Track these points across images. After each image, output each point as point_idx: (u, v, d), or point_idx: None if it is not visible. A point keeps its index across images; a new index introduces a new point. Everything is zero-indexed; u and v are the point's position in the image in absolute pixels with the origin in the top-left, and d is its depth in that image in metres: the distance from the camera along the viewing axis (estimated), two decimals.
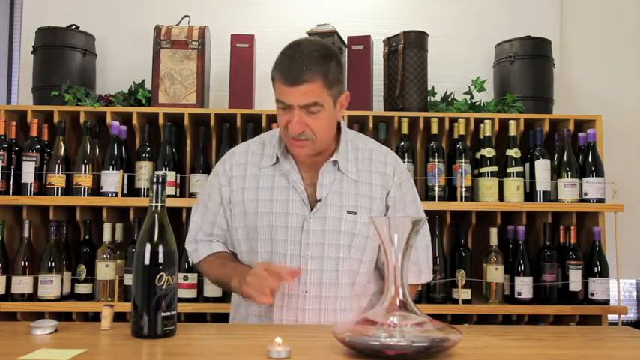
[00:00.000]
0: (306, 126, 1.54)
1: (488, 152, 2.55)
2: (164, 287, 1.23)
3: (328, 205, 1.62)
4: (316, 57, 1.52)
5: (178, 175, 2.56)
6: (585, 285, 2.53)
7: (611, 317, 2.61)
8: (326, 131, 1.59)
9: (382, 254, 1.70)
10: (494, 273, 2.50)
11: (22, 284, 2.45)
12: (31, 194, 2.49)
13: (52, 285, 2.45)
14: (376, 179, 1.68)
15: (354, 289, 1.65)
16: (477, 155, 2.60)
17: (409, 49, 2.63)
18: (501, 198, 2.55)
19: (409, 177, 1.77)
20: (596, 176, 2.55)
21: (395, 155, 1.77)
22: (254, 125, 2.58)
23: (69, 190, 2.52)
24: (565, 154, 2.58)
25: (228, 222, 1.71)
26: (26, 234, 2.52)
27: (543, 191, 2.56)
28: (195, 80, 2.60)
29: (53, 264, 2.48)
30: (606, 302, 2.50)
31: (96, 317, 2.50)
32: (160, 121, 2.57)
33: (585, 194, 2.55)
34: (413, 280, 1.70)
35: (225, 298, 2.43)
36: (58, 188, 2.49)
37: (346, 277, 1.62)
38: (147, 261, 1.24)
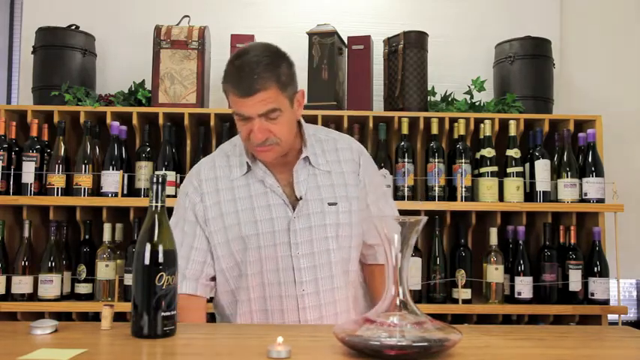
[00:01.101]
0: (268, 132, 1.52)
1: (488, 152, 2.55)
2: (164, 287, 1.23)
3: (309, 201, 1.62)
4: (265, 63, 1.49)
5: (178, 175, 2.56)
6: (585, 285, 2.53)
7: (611, 317, 2.61)
8: (289, 133, 1.58)
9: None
10: (494, 273, 2.50)
11: (22, 284, 2.46)
12: (31, 194, 2.49)
13: (52, 285, 2.45)
14: (346, 167, 1.70)
15: (348, 277, 1.67)
16: (477, 155, 2.60)
17: (409, 49, 2.63)
18: (501, 198, 2.55)
19: (372, 161, 1.81)
20: (596, 176, 2.55)
21: (356, 141, 1.80)
22: None
23: (69, 190, 2.52)
24: (565, 154, 2.58)
25: (208, 240, 1.65)
26: (26, 234, 2.52)
27: (543, 191, 2.56)
28: (195, 80, 2.60)
29: (53, 264, 2.48)
30: (606, 302, 2.50)
31: (96, 317, 2.50)
32: (160, 121, 2.57)
33: (585, 194, 2.55)
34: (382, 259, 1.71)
35: None
36: (58, 188, 2.49)
37: (339, 267, 1.64)
38: (147, 261, 1.24)
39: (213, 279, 1.69)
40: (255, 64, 1.49)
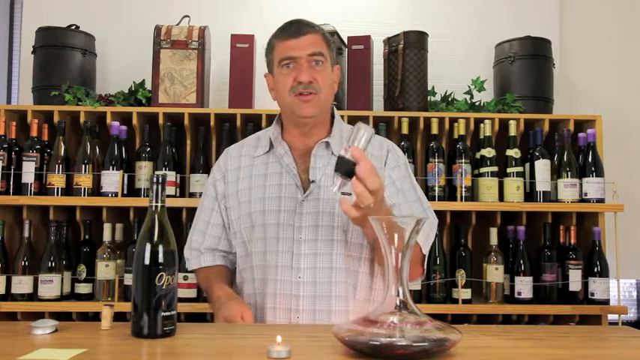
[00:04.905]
0: (313, 77, 1.58)
1: (488, 152, 2.55)
2: (164, 287, 1.23)
3: (322, 186, 1.60)
4: (312, 23, 1.67)
5: (178, 175, 2.56)
6: (585, 285, 2.53)
7: (611, 317, 2.61)
8: (329, 89, 1.63)
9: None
10: (494, 273, 2.50)
11: (22, 284, 2.45)
12: (31, 194, 2.49)
13: (52, 285, 2.45)
14: (372, 161, 1.65)
15: (352, 277, 1.58)
16: (477, 155, 2.60)
17: (409, 49, 2.63)
18: (501, 198, 2.55)
19: (407, 164, 1.71)
20: (596, 176, 2.55)
21: (392, 143, 1.73)
22: (254, 125, 2.58)
23: (69, 190, 2.52)
24: (565, 154, 2.58)
25: (223, 217, 1.71)
26: (26, 234, 2.52)
27: (543, 191, 2.56)
28: (195, 80, 2.60)
29: (53, 264, 2.48)
30: (606, 302, 2.50)
31: (96, 317, 2.50)
32: (160, 121, 2.57)
33: (585, 194, 2.55)
34: (421, 238, 1.55)
35: None
36: (58, 188, 2.49)
37: (341, 261, 1.56)
38: (147, 261, 1.24)
39: (233, 255, 1.73)
40: (303, 20, 1.67)
